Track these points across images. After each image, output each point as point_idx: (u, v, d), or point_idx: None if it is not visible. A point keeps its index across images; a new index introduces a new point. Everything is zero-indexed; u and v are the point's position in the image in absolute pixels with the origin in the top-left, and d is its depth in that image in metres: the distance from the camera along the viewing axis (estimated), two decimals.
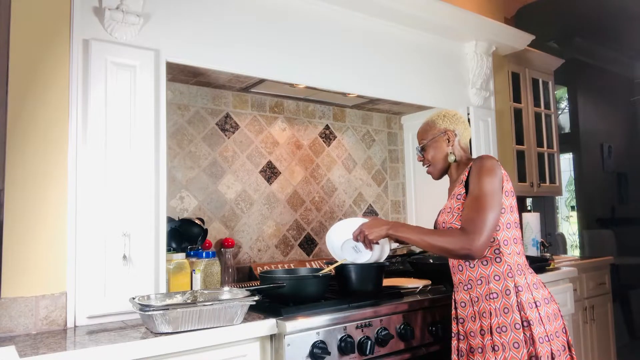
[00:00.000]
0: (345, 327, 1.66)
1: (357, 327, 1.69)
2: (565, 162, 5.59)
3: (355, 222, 1.82)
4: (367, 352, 1.67)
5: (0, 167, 1.41)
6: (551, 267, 2.78)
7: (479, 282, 1.62)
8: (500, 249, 1.60)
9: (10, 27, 1.44)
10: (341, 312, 1.67)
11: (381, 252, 1.85)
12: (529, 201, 3.99)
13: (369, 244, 1.76)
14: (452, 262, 1.72)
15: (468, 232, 1.51)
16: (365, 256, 1.84)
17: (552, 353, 1.53)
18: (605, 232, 5.36)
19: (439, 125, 1.79)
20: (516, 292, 1.56)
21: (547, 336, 1.54)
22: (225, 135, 2.47)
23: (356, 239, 1.77)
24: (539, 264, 2.67)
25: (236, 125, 2.51)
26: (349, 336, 1.65)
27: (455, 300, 1.72)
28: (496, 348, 1.54)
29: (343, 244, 1.87)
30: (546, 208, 5.31)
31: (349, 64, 2.42)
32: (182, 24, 1.91)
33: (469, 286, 1.65)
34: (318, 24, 2.33)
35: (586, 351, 3.10)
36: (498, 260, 1.60)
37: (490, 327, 1.56)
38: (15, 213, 1.55)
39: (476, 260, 1.62)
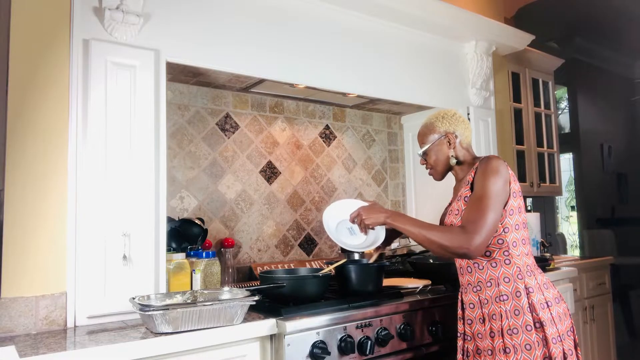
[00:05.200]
0: (345, 327, 1.66)
1: (357, 327, 1.69)
2: (565, 162, 5.58)
3: (354, 204, 1.80)
4: (367, 352, 1.67)
5: (0, 167, 1.41)
6: (551, 267, 2.78)
7: (489, 284, 1.60)
8: (510, 251, 1.58)
9: (10, 27, 1.44)
10: (341, 312, 1.67)
11: (375, 237, 1.80)
12: (529, 201, 4.00)
13: (364, 228, 1.73)
14: (461, 264, 1.70)
15: (468, 232, 1.50)
16: (359, 239, 1.80)
17: (564, 353, 1.52)
18: (605, 232, 5.35)
19: (438, 128, 1.76)
20: (527, 294, 1.55)
21: (559, 336, 1.53)
22: (225, 135, 2.47)
23: (353, 220, 1.75)
24: (539, 264, 2.65)
25: (236, 125, 2.51)
26: (349, 336, 1.65)
27: (462, 301, 1.70)
28: (507, 350, 1.52)
29: (338, 224, 1.83)
30: (546, 208, 5.30)
31: (349, 64, 2.42)
32: (182, 24, 1.91)
33: (478, 288, 1.63)
34: (318, 24, 2.33)
35: (586, 351, 3.10)
36: (507, 262, 1.58)
37: (501, 330, 1.54)
38: (15, 213, 1.55)
39: (485, 262, 1.60)
